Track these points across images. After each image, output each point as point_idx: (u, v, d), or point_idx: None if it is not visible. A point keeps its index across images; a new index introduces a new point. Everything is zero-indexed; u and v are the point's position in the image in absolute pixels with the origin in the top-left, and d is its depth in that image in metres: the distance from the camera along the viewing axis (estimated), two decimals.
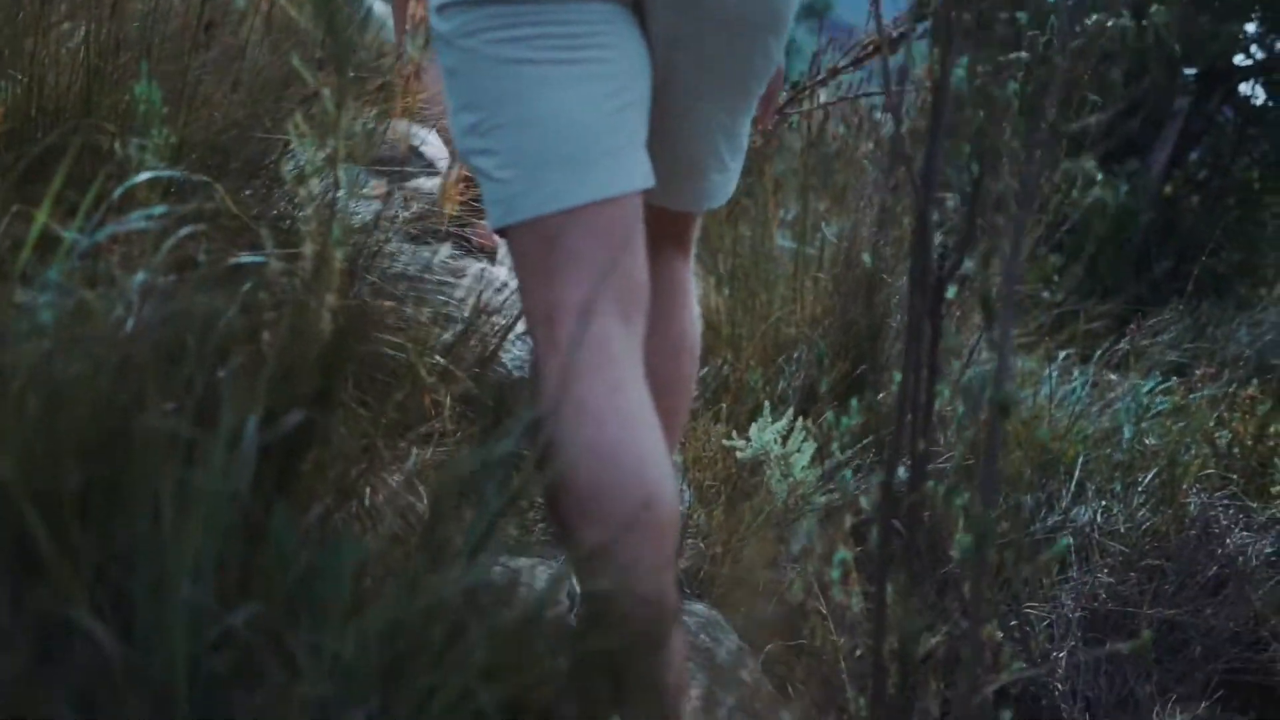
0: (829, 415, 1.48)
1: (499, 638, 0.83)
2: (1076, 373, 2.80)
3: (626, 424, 1.05)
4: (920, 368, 1.30)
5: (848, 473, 1.14)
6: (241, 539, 0.87)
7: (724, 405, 2.12)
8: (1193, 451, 2.21)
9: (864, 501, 1.19)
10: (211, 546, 0.80)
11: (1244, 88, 6.17)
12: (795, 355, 2.30)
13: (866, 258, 1.93)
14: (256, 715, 0.79)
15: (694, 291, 1.49)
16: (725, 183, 1.41)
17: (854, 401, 1.17)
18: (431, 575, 0.88)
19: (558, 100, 1.08)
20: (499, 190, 1.10)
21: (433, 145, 2.89)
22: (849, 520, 1.38)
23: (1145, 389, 2.57)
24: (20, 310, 0.90)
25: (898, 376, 1.31)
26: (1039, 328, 3.01)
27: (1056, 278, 3.65)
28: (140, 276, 0.96)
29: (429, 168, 2.72)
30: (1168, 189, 5.82)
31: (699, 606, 1.65)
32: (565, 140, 1.08)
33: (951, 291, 1.31)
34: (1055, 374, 2.61)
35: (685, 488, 1.93)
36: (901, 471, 1.31)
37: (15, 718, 0.71)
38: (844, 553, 1.21)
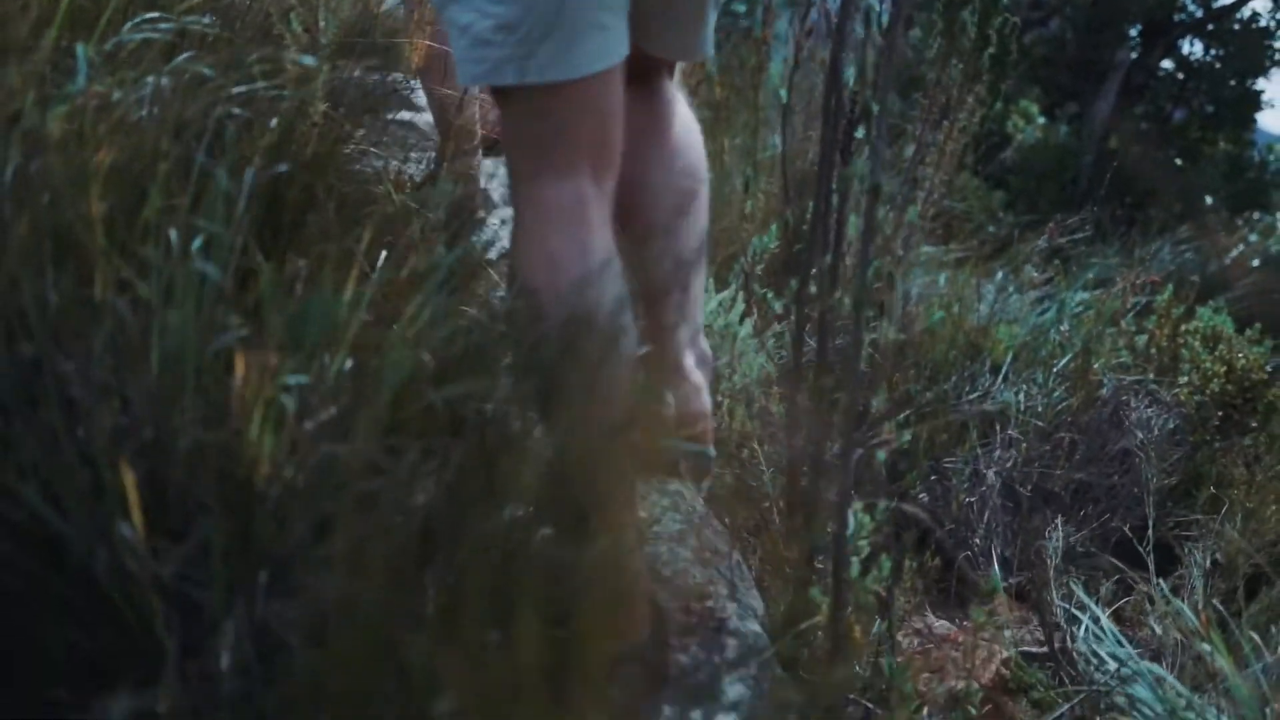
0: (755, 240, 1.64)
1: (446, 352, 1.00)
2: (1014, 291, 2.99)
3: (593, 278, 1.18)
4: (831, 193, 1.47)
5: (768, 293, 1.31)
6: (235, 287, 1.04)
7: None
8: (1107, 344, 2.40)
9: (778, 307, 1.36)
10: (212, 274, 0.96)
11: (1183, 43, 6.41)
12: (744, 258, 2.47)
13: (783, 93, 2.09)
14: (244, 398, 0.96)
15: (681, 99, 1.55)
16: (712, 24, 1.48)
17: (773, 227, 1.33)
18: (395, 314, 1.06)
19: None
20: (486, 50, 1.16)
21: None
22: (770, 340, 1.55)
23: (1074, 300, 2.76)
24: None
25: (812, 205, 1.49)
26: (981, 244, 3.20)
27: (1001, 214, 3.87)
28: (150, 81, 1.13)
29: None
30: (1113, 141, 6.06)
31: None
32: (561, 14, 1.13)
33: (859, 133, 1.49)
34: (991, 288, 2.80)
35: None
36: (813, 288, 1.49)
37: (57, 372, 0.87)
38: (761, 359, 1.38)
